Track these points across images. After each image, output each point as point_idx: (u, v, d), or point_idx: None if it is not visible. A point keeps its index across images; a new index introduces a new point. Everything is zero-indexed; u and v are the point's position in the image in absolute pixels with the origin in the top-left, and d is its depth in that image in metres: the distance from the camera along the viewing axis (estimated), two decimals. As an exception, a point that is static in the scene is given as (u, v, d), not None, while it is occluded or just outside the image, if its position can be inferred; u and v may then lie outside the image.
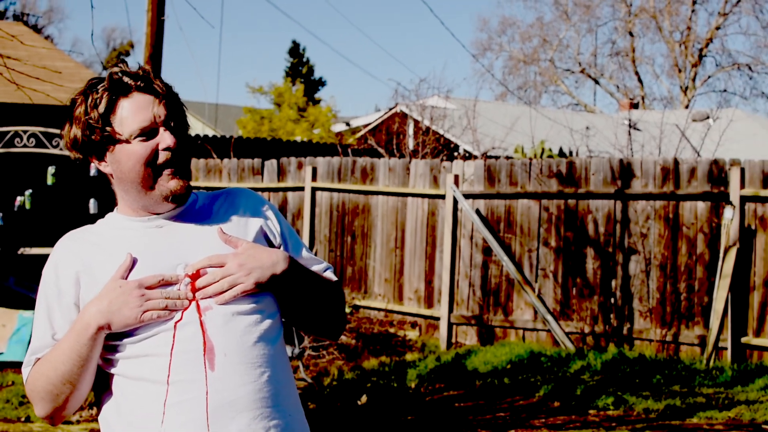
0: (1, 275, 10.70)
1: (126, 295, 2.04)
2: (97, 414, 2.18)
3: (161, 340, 2.04)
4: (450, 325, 10.46)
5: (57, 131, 8.70)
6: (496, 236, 10.27)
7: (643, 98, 39.84)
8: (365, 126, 24.94)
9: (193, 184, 2.22)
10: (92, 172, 8.40)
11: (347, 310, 10.93)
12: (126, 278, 2.08)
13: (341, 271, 11.67)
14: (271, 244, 2.25)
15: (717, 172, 9.08)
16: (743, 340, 8.81)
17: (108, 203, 10.73)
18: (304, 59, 39.78)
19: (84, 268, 2.13)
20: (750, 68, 39.42)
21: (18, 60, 6.10)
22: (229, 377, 2.03)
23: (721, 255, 8.87)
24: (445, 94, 15.51)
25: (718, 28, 39.12)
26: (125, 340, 2.07)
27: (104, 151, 2.13)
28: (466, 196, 10.45)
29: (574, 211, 9.89)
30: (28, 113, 11.45)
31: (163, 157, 2.11)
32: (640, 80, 41.11)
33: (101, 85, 2.12)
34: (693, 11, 39.35)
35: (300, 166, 12.14)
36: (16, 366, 8.62)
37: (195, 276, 2.09)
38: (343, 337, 10.09)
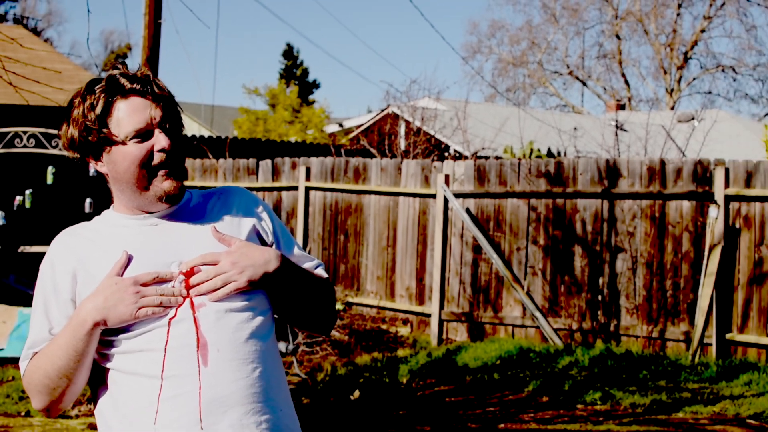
0: (1, 273, 10.76)
1: (122, 291, 2.07)
2: (94, 408, 2.22)
3: (156, 336, 2.07)
4: (441, 322, 10.54)
5: (56, 132, 8.77)
6: (485, 235, 10.36)
7: (629, 100, 40.06)
8: (358, 127, 24.99)
9: (189, 183, 2.28)
10: (91, 172, 8.49)
11: (340, 307, 11.01)
12: (122, 275, 2.11)
13: (334, 269, 11.73)
14: (263, 242, 2.28)
15: (702, 172, 9.15)
16: (728, 336, 8.88)
17: (103, 203, 10.84)
18: (298, 61, 40.17)
19: (80, 265, 2.15)
20: (734, 70, 39.67)
21: (18, 62, 6.12)
22: (221, 373, 2.06)
23: (706, 253, 8.94)
24: (436, 95, 15.60)
25: (702, 31, 39.35)
26: (121, 336, 2.10)
27: (101, 151, 2.16)
28: (457, 196, 10.54)
29: (562, 210, 9.99)
30: (27, 114, 11.48)
31: (157, 158, 2.14)
32: (626, 82, 41.32)
33: (99, 86, 2.14)
34: (678, 15, 39.59)
35: (294, 166, 12.23)
36: (17, 362, 8.64)
37: (189, 273, 2.12)
38: (336, 334, 10.15)
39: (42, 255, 2.31)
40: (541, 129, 20.41)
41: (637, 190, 9.49)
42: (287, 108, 29.17)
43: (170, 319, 2.08)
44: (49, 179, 9.53)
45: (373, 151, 14.49)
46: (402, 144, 14.94)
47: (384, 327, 10.86)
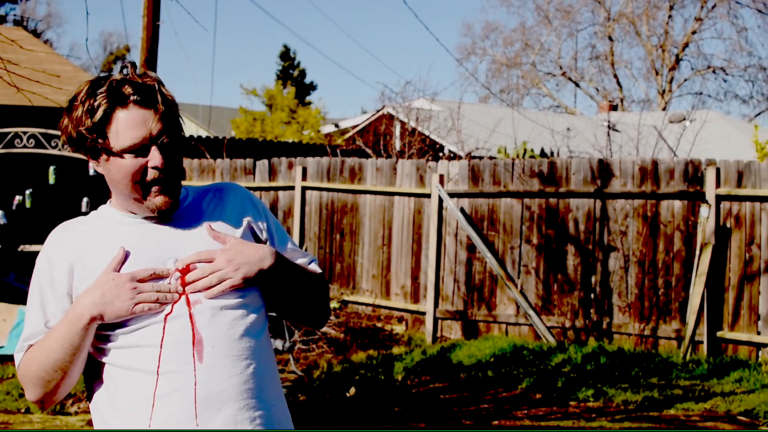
0: (1, 271, 10.82)
1: (119, 287, 2.08)
2: (89, 401, 2.23)
3: (152, 332, 2.09)
4: (435, 320, 10.59)
5: (56, 132, 8.82)
6: (480, 234, 10.43)
7: (621, 100, 40.19)
8: (353, 127, 25.05)
9: (186, 183, 2.33)
10: (91, 171, 8.55)
11: (336, 305, 11.06)
12: (118, 271, 2.11)
13: (330, 267, 11.79)
14: (257, 238, 2.30)
15: (693, 172, 9.21)
16: (719, 334, 8.94)
17: (100, 201, 10.88)
18: (295, 63, 40.50)
19: (77, 260, 2.16)
20: (724, 71, 39.84)
21: (18, 64, 6.10)
22: (216, 369, 2.08)
23: (698, 252, 9.01)
24: (431, 96, 15.64)
25: (694, 33, 39.50)
26: (117, 331, 2.11)
27: (98, 154, 2.16)
28: (451, 195, 10.60)
29: (555, 210, 10.05)
30: (27, 115, 11.51)
31: (151, 174, 2.13)
32: (618, 83, 41.43)
33: (101, 91, 2.11)
34: (670, 16, 39.71)
35: (290, 166, 12.29)
36: (16, 360, 8.71)
37: (185, 270, 2.13)
38: (332, 331, 10.21)
39: (40, 254, 2.32)
40: (534, 129, 20.50)
41: (629, 190, 9.55)
42: (284, 109, 29.34)
43: (166, 315, 2.09)
44: (51, 179, 9.58)
45: (369, 151, 14.54)
46: (397, 144, 15.00)
47: (379, 325, 10.91)
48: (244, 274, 2.15)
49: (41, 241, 11.11)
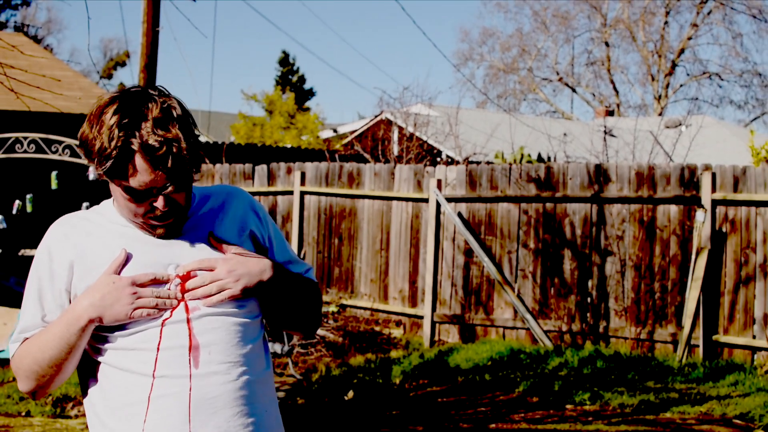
0: (2, 275, 10.84)
1: (119, 291, 2.09)
2: (83, 396, 2.24)
3: (149, 336, 2.10)
4: (433, 324, 10.61)
5: (56, 137, 8.85)
6: (477, 238, 10.46)
7: (618, 106, 40.31)
8: (352, 132, 25.07)
9: None
10: (90, 177, 8.59)
11: (335, 309, 11.11)
12: (119, 273, 2.12)
13: (328, 271, 11.82)
14: (258, 245, 2.32)
15: (689, 177, 9.25)
16: (714, 337, 8.97)
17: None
18: (294, 68, 40.68)
19: (78, 257, 2.16)
20: (720, 77, 39.95)
21: (18, 69, 6.10)
22: (211, 375, 2.10)
23: (694, 256, 9.03)
24: (428, 101, 15.69)
25: (690, 39, 39.62)
26: (115, 333, 2.13)
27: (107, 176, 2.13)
28: (449, 200, 10.62)
29: (552, 215, 10.09)
30: (28, 120, 11.54)
31: (154, 212, 2.13)
32: (615, 88, 41.53)
33: (124, 131, 2.04)
34: (666, 22, 39.83)
35: (289, 171, 12.33)
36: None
37: (185, 277, 2.15)
38: (330, 335, 10.24)
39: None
40: (531, 135, 20.55)
41: (625, 195, 9.58)
42: (283, 114, 29.51)
43: (164, 320, 2.11)
44: (54, 184, 9.59)
45: (367, 156, 14.58)
46: (395, 149, 15.05)
47: (377, 329, 10.93)
48: (244, 285, 2.17)
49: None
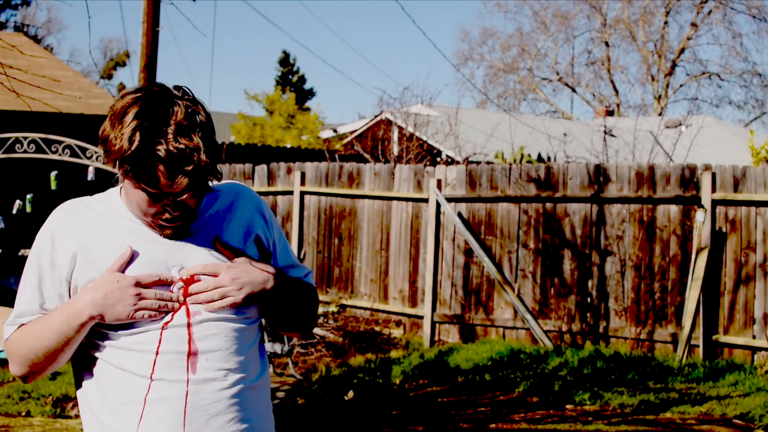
0: (2, 275, 10.84)
1: (122, 291, 2.08)
2: (77, 388, 2.23)
3: (149, 338, 2.10)
4: (433, 324, 10.62)
5: (56, 137, 8.86)
6: (477, 238, 10.47)
7: (618, 106, 40.32)
8: (352, 132, 25.09)
9: None
10: (89, 177, 8.60)
11: (335, 309, 11.12)
12: (123, 271, 2.12)
13: (328, 271, 11.83)
14: (262, 248, 2.31)
15: (689, 177, 9.25)
16: (714, 337, 8.98)
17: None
18: (294, 68, 40.78)
19: (81, 249, 2.15)
20: (719, 77, 39.97)
21: (18, 69, 6.10)
22: (208, 382, 2.10)
23: (693, 256, 9.04)
24: (428, 101, 15.68)
25: (689, 39, 39.64)
26: (115, 332, 2.12)
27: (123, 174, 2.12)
28: (449, 200, 10.63)
29: (552, 215, 10.09)
30: (28, 120, 11.55)
31: (163, 214, 2.13)
32: (615, 88, 41.54)
33: (142, 138, 2.01)
34: (666, 22, 39.84)
35: (289, 171, 12.34)
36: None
37: (189, 281, 2.14)
38: (330, 335, 10.24)
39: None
40: (531, 135, 20.56)
41: (625, 195, 9.59)
42: (283, 114, 29.59)
43: (165, 323, 2.11)
44: (53, 185, 9.60)
45: (367, 156, 14.58)
46: (395, 149, 15.05)
47: (377, 329, 10.94)
48: (247, 293, 2.17)
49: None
